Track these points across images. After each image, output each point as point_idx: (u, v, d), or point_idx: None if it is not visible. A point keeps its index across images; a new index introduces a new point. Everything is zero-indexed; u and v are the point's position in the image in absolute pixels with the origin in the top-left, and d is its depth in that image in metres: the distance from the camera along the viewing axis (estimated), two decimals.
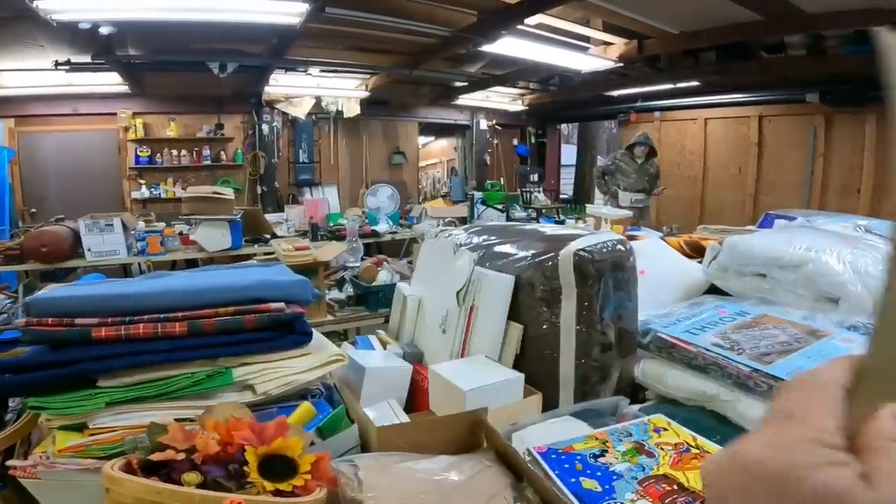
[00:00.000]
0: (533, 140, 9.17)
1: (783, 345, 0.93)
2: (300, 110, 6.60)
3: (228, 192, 4.42)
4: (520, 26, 3.74)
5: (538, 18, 3.97)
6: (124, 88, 5.83)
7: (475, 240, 1.32)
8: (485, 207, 3.28)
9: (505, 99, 7.96)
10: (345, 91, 6.60)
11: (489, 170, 8.84)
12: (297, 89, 6.34)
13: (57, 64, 4.65)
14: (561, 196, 9.93)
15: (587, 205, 4.72)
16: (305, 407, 0.89)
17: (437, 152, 10.64)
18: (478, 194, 5.35)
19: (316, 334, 1.05)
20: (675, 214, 6.48)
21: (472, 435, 0.87)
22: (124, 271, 4.86)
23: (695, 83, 5.59)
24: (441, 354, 1.21)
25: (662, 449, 0.79)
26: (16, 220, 5.73)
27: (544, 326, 1.09)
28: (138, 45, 4.51)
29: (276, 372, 0.91)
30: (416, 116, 8.02)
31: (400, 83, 6.58)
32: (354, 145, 7.64)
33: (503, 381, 1.00)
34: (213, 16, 3.17)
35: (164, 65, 5.02)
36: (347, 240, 2.95)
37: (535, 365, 1.11)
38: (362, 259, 2.95)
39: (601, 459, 0.77)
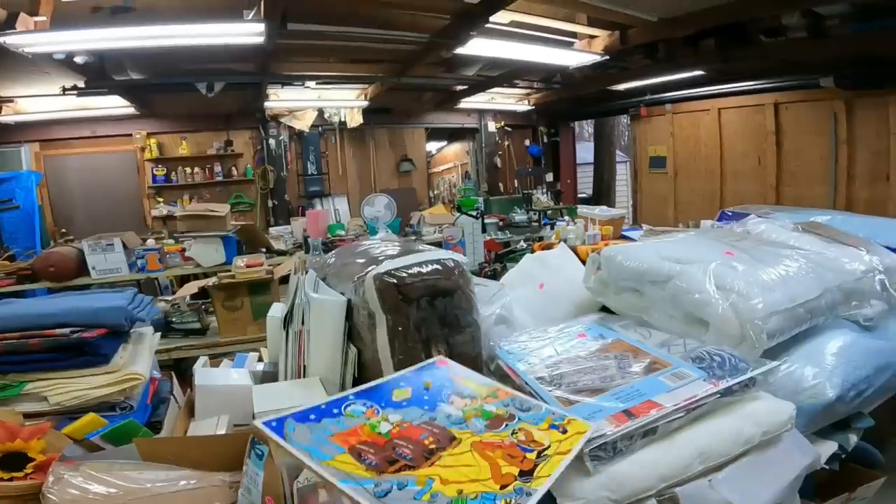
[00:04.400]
0: (545, 139, 8.94)
1: (604, 380, 0.81)
2: (303, 123, 6.71)
3: (222, 210, 4.54)
4: (488, 25, 3.63)
5: (510, 16, 3.86)
6: (134, 110, 6.09)
7: (345, 259, 1.25)
8: (459, 214, 3.17)
9: (510, 99, 7.81)
10: (345, 102, 6.66)
11: (501, 172, 8.69)
12: (298, 102, 6.44)
13: (64, 90, 4.91)
14: (579, 195, 9.63)
15: (578, 206, 4.52)
16: (89, 417, 0.97)
17: (451, 156, 10.56)
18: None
19: (137, 352, 1.15)
20: (694, 210, 6.16)
21: None
22: (138, 288, 5.09)
23: (700, 72, 5.28)
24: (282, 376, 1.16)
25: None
26: (47, 241, 6.08)
27: (371, 353, 1.00)
28: (136, 69, 4.70)
29: (67, 386, 1.01)
30: (421, 122, 7.99)
31: (399, 90, 6.58)
32: (362, 155, 7.69)
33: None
34: (177, 41, 3.25)
35: (159, 86, 5.21)
36: (311, 253, 2.94)
37: None
38: None
39: None
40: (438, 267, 0.94)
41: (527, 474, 0.62)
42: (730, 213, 1.91)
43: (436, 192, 9.63)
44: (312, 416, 0.65)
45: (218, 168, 6.86)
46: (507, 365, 0.94)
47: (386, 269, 0.91)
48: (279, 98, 6.20)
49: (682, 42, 4.66)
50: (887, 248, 1.19)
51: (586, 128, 12.93)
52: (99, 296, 1.23)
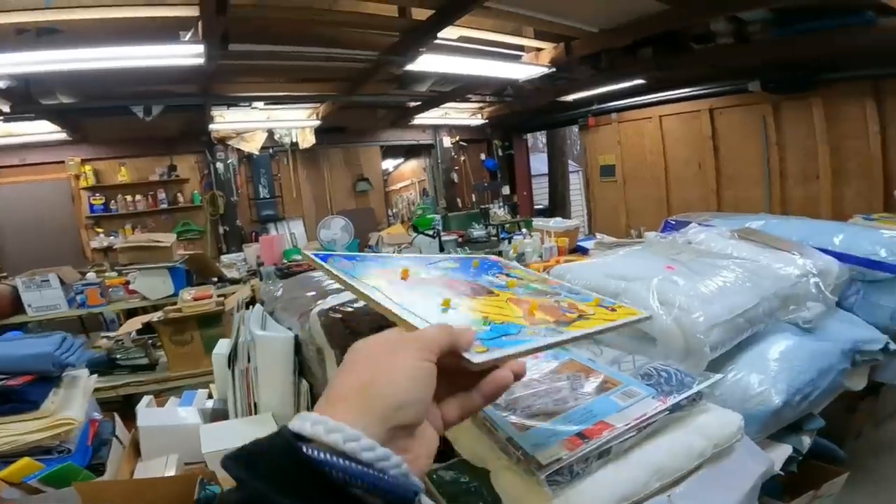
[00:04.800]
0: (500, 153, 9.08)
1: (557, 403, 0.79)
2: (253, 145, 6.53)
3: (167, 239, 4.35)
4: (437, 41, 3.67)
5: (459, 32, 3.91)
6: (66, 136, 5.76)
7: (293, 292, 1.21)
8: (416, 235, 3.10)
9: (464, 114, 7.91)
10: (296, 122, 6.54)
11: (458, 187, 8.74)
12: (246, 124, 6.27)
13: None
14: (536, 207, 9.80)
15: (534, 219, 4.57)
16: (23, 461, 0.98)
17: (408, 174, 10.56)
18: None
19: (71, 396, 1.15)
20: (644, 217, 6.36)
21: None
22: (81, 323, 4.77)
23: (641, 81, 5.51)
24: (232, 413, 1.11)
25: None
26: None
27: (323, 387, 0.97)
28: (66, 92, 4.45)
29: None
30: (376, 140, 7.95)
31: (352, 108, 6.54)
32: (316, 176, 7.56)
33: None
34: (110, 64, 3.10)
35: (92, 111, 4.97)
36: (264, 281, 2.84)
37: None
38: None
39: None
40: None
41: (562, 324, 0.59)
42: (673, 223, 1.97)
43: (395, 211, 9.58)
44: (358, 258, 0.65)
45: (162, 195, 6.55)
46: None
47: (331, 304, 0.88)
48: (225, 120, 6.02)
49: (623, 52, 4.87)
50: (819, 249, 1.25)
51: (540, 139, 13.24)
52: (26, 342, 1.23)
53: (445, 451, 0.99)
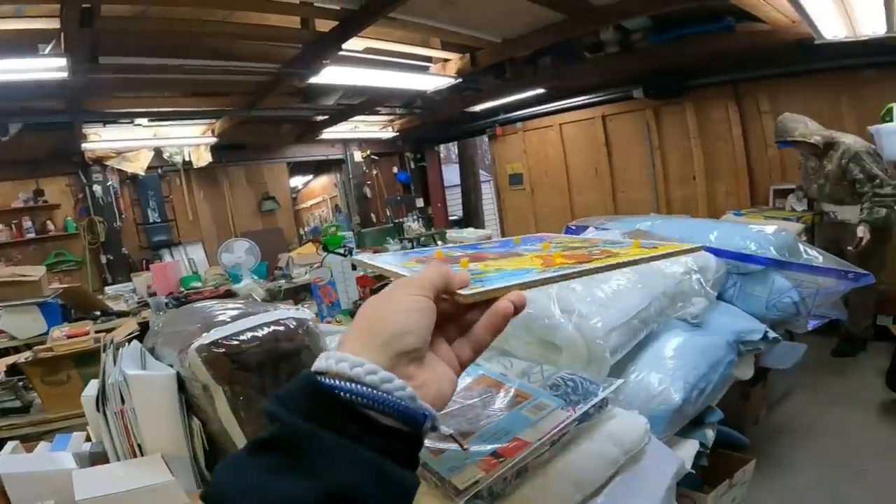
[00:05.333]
0: (412, 165, 9.09)
1: (471, 422, 0.75)
2: (137, 165, 5.92)
3: (35, 273, 3.82)
4: (342, 53, 3.58)
5: (364, 43, 3.86)
6: None
7: (174, 325, 1.07)
8: (326, 254, 2.95)
9: (374, 127, 7.81)
10: (188, 139, 6.05)
11: (372, 202, 8.60)
12: (127, 142, 5.67)
13: None
14: (450, 218, 9.91)
15: (448, 230, 4.61)
16: None
17: (319, 190, 10.20)
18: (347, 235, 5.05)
19: None
20: (552, 222, 6.63)
21: None
22: None
23: (542, 90, 5.78)
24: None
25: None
26: None
27: (217, 424, 0.85)
28: None
29: None
30: (281, 157, 7.59)
31: (252, 123, 6.19)
32: (215, 196, 7.03)
33: (142, 488, 0.79)
34: None
35: None
36: (153, 311, 2.54)
37: None
38: None
39: None
40: (279, 328, 0.85)
41: (582, 263, 0.57)
42: (573, 227, 2.05)
43: (307, 229, 9.20)
44: (402, 253, 0.68)
45: (28, 223, 5.73)
46: None
47: (212, 339, 0.78)
48: (101, 138, 5.39)
49: (525, 62, 5.08)
50: None
51: (452, 150, 13.45)
52: None
53: None
